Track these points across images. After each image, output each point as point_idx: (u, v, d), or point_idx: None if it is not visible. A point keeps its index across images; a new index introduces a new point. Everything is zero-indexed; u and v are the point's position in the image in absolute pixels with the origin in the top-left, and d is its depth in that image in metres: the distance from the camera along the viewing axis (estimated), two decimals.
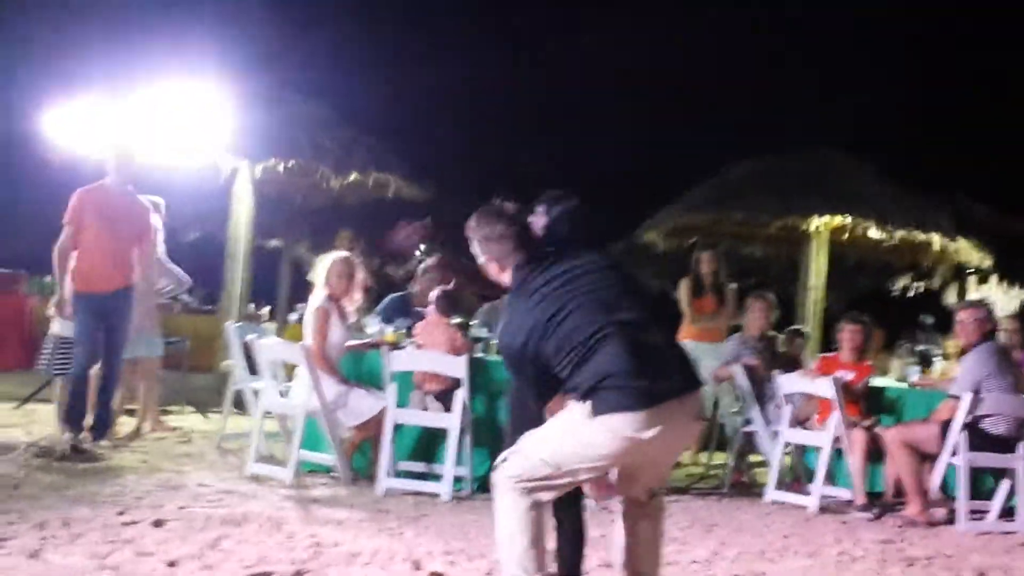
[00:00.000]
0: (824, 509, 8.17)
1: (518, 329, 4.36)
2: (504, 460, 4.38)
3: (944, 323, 12.37)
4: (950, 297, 18.39)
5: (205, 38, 14.02)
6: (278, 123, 12.73)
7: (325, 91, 14.58)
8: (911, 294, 18.21)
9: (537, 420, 4.48)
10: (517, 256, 4.54)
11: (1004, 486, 7.97)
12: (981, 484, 8.19)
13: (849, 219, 13.26)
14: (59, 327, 9.23)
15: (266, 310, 17.15)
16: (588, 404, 4.21)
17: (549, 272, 4.44)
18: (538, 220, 4.98)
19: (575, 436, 4.26)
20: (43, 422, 9.17)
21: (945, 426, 7.89)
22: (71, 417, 8.70)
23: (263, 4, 19.25)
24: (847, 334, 9.06)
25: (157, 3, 18.73)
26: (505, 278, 4.59)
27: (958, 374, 8.17)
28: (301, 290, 12.47)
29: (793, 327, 11.18)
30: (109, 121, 11.45)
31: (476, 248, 4.66)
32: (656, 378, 4.23)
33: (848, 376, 8.65)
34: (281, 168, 12.71)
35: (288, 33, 19.57)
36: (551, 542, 4.78)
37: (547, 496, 4.39)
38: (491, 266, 4.62)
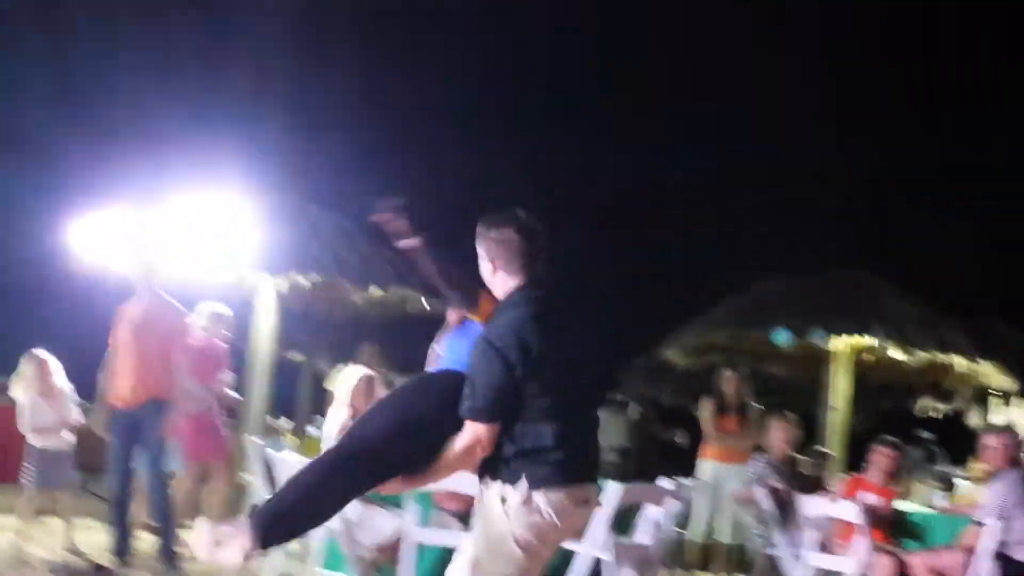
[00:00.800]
0: None
1: (521, 341, 4.27)
2: None
3: (968, 446, 12.29)
4: (974, 420, 18.25)
5: (228, 152, 14.19)
6: (301, 237, 12.80)
7: (346, 203, 14.69)
8: (934, 416, 18.06)
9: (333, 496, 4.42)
10: (517, 266, 4.48)
11: None
12: None
13: (870, 340, 13.21)
14: (38, 440, 9.18)
15: (286, 423, 17.09)
16: (523, 480, 4.21)
17: (552, 317, 4.42)
18: None
19: (507, 541, 4.25)
20: (56, 535, 9.08)
21: (971, 553, 7.78)
22: (119, 546, 8.64)
23: (284, 121, 19.52)
24: (878, 456, 8.95)
25: (181, 119, 19.00)
26: (496, 283, 4.53)
27: (985, 500, 8.07)
28: (321, 403, 12.42)
29: (816, 448, 11.10)
30: (133, 234, 11.55)
31: (480, 245, 4.59)
32: (590, 458, 4.47)
33: (874, 500, 8.55)
34: (304, 283, 12.75)
35: (308, 146, 19.80)
36: None
37: None
38: (485, 265, 4.56)
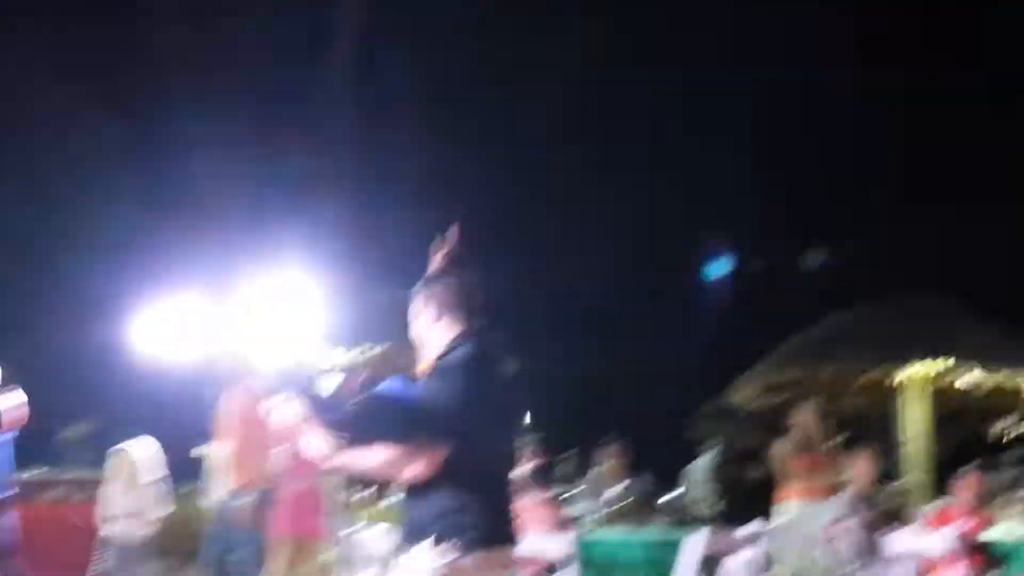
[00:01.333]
0: None
1: (472, 371, 4.26)
2: None
3: None
4: None
5: (289, 231, 14.31)
6: (369, 312, 12.91)
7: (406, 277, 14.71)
8: (1014, 439, 17.74)
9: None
10: (461, 316, 4.47)
11: None
12: None
13: (945, 365, 13.05)
14: (108, 529, 9.18)
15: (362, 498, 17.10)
16: (448, 540, 4.10)
17: (490, 365, 4.41)
18: None
19: None
20: None
21: None
22: None
23: (345, 198, 19.61)
24: (963, 484, 8.80)
25: (240, 201, 19.08)
26: (436, 333, 4.48)
27: None
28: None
29: (899, 480, 10.97)
30: (198, 323, 11.61)
31: (425, 297, 4.56)
32: (509, 519, 4.36)
33: (962, 530, 8.41)
34: (368, 354, 12.83)
35: (370, 223, 19.80)
36: None
37: None
38: (429, 313, 4.51)
